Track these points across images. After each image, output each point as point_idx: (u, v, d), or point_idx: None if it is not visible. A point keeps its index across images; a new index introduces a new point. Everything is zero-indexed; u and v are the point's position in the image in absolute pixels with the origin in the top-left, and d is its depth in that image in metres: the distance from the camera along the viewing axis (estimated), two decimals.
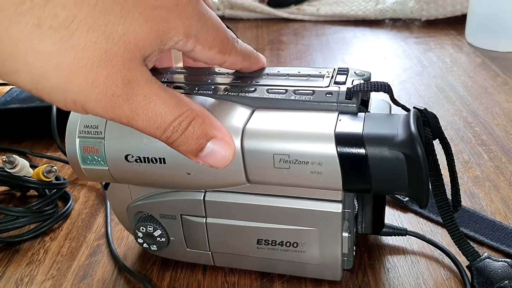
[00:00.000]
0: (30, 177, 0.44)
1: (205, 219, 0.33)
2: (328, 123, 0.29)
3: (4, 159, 0.42)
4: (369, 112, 0.31)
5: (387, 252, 0.37)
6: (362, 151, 0.27)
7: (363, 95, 0.32)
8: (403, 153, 0.27)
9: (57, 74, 0.21)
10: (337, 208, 0.30)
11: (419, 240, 0.38)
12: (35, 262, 0.39)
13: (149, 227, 0.34)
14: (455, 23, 0.86)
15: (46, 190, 0.45)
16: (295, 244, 0.32)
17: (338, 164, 0.28)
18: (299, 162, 0.28)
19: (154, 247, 0.35)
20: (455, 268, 0.35)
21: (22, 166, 0.43)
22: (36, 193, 0.47)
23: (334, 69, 0.33)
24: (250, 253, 0.34)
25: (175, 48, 0.26)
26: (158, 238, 0.35)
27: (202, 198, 0.32)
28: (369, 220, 0.35)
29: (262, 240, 0.33)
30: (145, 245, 0.36)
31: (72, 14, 0.21)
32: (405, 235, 0.37)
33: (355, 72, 0.32)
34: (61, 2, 0.20)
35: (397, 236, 0.38)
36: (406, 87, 0.65)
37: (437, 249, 0.37)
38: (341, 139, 0.28)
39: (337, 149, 0.27)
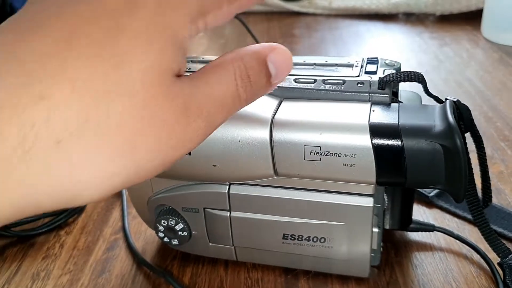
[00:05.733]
0: None
1: (229, 212, 0.32)
2: (361, 113, 0.28)
3: None
4: (402, 102, 0.30)
5: (414, 249, 0.36)
6: (398, 142, 0.26)
7: (393, 85, 0.31)
8: (441, 144, 0.26)
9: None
10: (369, 202, 0.29)
11: (447, 236, 0.37)
12: (51, 256, 0.38)
13: (170, 221, 0.33)
14: (470, 18, 0.85)
15: None
16: (322, 239, 0.31)
17: (372, 156, 0.27)
18: (331, 154, 0.27)
19: (175, 242, 0.34)
20: (485, 265, 0.34)
21: None
22: None
23: (363, 59, 0.32)
24: (275, 248, 0.33)
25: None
26: (179, 232, 0.34)
27: (226, 191, 0.31)
28: (397, 215, 0.34)
29: (288, 235, 0.32)
30: (166, 239, 0.35)
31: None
32: (432, 231, 0.36)
33: (385, 62, 0.31)
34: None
35: (424, 232, 0.37)
36: None
37: (466, 245, 0.36)
38: (376, 130, 0.27)
39: (371, 141, 0.26)
